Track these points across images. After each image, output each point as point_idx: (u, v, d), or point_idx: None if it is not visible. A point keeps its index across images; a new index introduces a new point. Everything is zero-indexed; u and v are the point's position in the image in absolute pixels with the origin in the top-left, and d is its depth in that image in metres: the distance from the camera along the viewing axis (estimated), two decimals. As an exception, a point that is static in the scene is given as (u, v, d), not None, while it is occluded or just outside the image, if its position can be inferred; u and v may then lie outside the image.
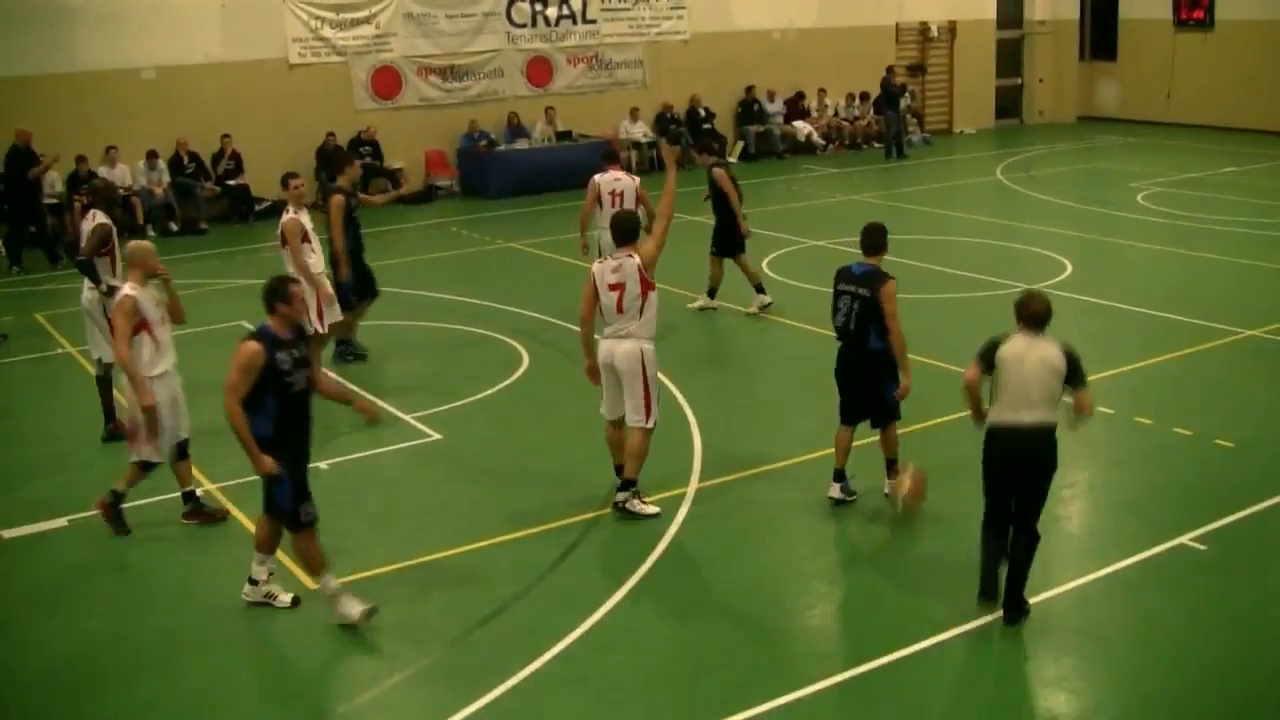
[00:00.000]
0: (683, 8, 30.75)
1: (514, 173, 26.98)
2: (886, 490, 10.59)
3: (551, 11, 29.06)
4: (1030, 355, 8.49)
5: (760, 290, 16.68)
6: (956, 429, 12.18)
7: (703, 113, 30.83)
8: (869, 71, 32.78)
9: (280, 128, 25.81)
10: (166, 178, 24.58)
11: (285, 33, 26.09)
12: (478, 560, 9.73)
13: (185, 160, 24.82)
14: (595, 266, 10.46)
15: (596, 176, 16.10)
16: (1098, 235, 21.05)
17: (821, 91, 32.90)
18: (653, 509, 10.42)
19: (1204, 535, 9.71)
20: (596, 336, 10.48)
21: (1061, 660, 8.21)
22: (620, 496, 10.45)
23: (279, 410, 8.58)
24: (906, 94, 33.17)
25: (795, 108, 32.51)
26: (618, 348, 10.28)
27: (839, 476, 10.61)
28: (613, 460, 10.74)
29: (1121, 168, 28.90)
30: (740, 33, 31.67)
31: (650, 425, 10.35)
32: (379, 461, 11.99)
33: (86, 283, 12.23)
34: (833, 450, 10.65)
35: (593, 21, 29.65)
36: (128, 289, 10.23)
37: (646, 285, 10.23)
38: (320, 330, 13.82)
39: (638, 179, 16.33)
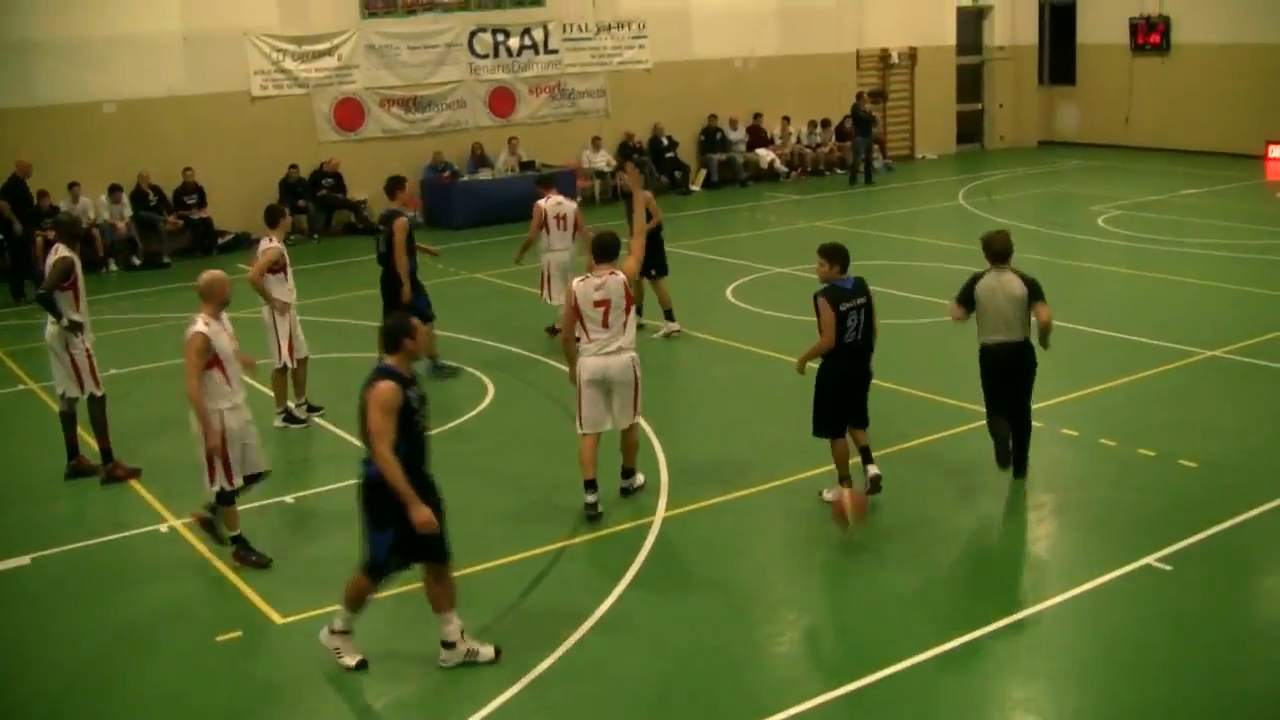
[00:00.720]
0: (644, 37, 30.88)
1: (478, 203, 26.96)
2: (827, 495, 10.86)
3: (514, 42, 29.12)
4: (1000, 292, 11.07)
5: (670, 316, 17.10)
6: (922, 453, 12.24)
7: (665, 141, 30.91)
8: (830, 99, 33.00)
9: (243, 160, 25.76)
10: (129, 211, 24.47)
11: (247, 65, 26.05)
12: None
13: (149, 194, 24.71)
14: (576, 285, 10.76)
15: (540, 203, 16.57)
16: (1060, 259, 21.17)
17: (785, 119, 33.06)
18: (640, 479, 11.46)
19: (1169, 555, 9.75)
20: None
21: (1030, 683, 8.24)
22: (625, 483, 11.35)
23: (408, 452, 8.18)
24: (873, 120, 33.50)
25: (757, 135, 32.63)
26: (612, 362, 10.72)
27: (869, 456, 11.08)
28: (585, 474, 10.94)
29: (1082, 191, 29.12)
30: (702, 61, 31.79)
31: (638, 419, 11.11)
32: (345, 495, 11.83)
33: (49, 317, 12.15)
34: (802, 475, 10.68)
35: (555, 51, 29.73)
36: (200, 325, 10.05)
37: (630, 300, 10.76)
38: (290, 365, 13.75)
39: (575, 202, 16.93)
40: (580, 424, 10.94)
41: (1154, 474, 11.56)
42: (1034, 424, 11.61)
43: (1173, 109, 34.53)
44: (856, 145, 31.71)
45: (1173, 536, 10.05)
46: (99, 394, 12.30)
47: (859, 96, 32.15)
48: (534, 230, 16.57)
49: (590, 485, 10.94)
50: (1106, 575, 9.49)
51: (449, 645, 8.53)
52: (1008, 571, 9.89)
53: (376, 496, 8.20)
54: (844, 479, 10.83)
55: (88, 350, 12.19)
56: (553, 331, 16.71)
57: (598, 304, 10.67)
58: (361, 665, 8.56)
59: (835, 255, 10.72)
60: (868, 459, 11.11)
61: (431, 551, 8.38)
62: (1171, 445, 12.09)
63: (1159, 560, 9.68)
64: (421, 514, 8.04)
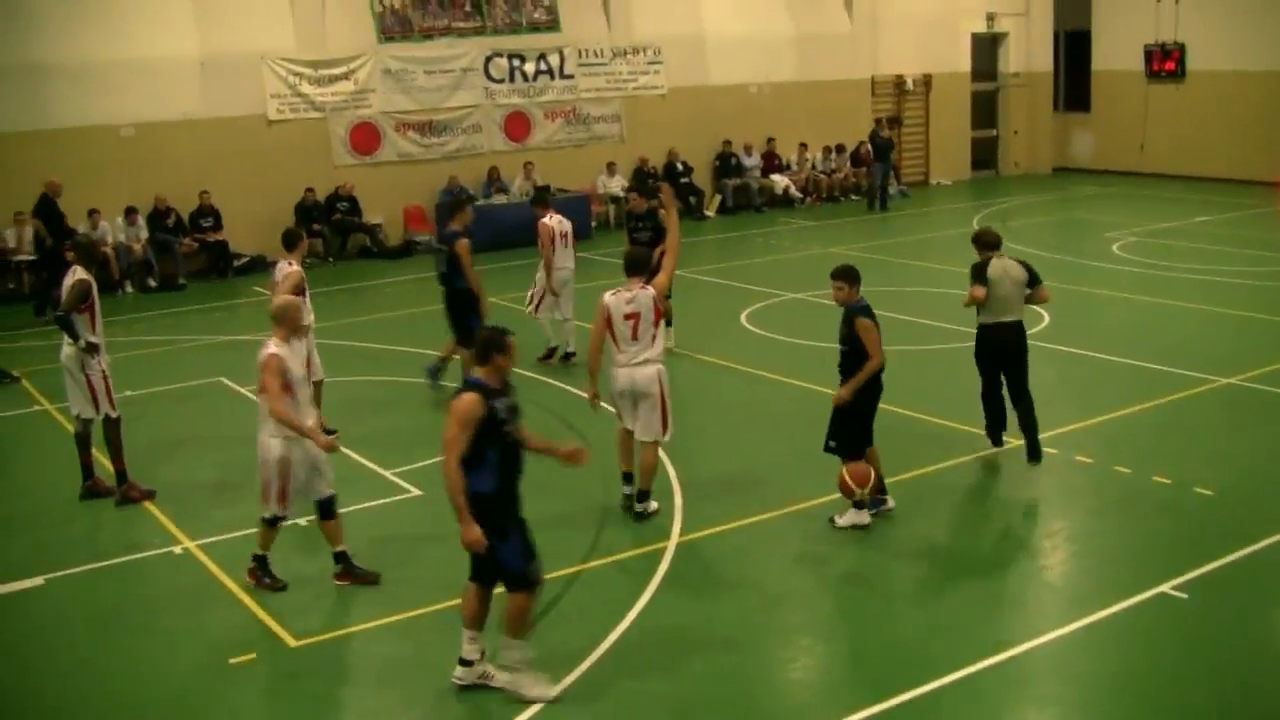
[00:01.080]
0: (660, 62, 30.96)
1: (492, 227, 26.94)
2: (840, 521, 11.05)
3: (529, 67, 29.21)
4: (1007, 275, 12.20)
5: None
6: (935, 480, 12.21)
7: (680, 166, 30.97)
8: (845, 125, 33.07)
9: (259, 183, 25.85)
10: (145, 234, 24.56)
11: (264, 89, 26.16)
12: (457, 616, 9.64)
13: (167, 215, 24.78)
14: (608, 298, 11.17)
15: (546, 220, 16.84)
16: (1074, 285, 21.14)
17: (802, 146, 33.10)
18: (654, 504, 11.50)
19: (1184, 583, 9.72)
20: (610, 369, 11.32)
21: (1044, 710, 8.21)
22: (639, 507, 11.46)
23: (500, 462, 8.17)
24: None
25: (772, 161, 32.68)
26: (638, 373, 11.13)
27: (860, 505, 11.05)
28: (621, 466, 11.61)
29: (1097, 218, 29.11)
30: (717, 87, 31.87)
31: (667, 438, 11.35)
32: (359, 517, 11.93)
33: (66, 339, 12.19)
34: (817, 500, 10.68)
35: (570, 77, 29.81)
36: (273, 347, 9.91)
37: (659, 314, 11.13)
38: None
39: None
40: (619, 418, 11.51)
41: (1168, 501, 11.52)
42: (1048, 451, 12.15)
43: (1187, 136, 34.53)
44: (874, 171, 31.78)
45: (1188, 564, 10.02)
46: (114, 415, 12.33)
47: (877, 122, 32.23)
48: (549, 249, 16.68)
49: (626, 477, 11.58)
50: (1121, 603, 9.46)
51: (467, 663, 8.55)
52: (1022, 598, 9.85)
53: (485, 510, 8.14)
54: (860, 502, 10.95)
55: (104, 372, 12.22)
56: (547, 357, 16.79)
57: (628, 317, 11.05)
58: (556, 699, 8.36)
59: (856, 277, 10.95)
60: (882, 490, 11.32)
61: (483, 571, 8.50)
62: (1186, 473, 12.05)
63: (1174, 588, 9.64)
64: (472, 533, 8.07)
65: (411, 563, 10.85)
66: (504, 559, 8.25)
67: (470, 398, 8.09)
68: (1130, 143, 36.03)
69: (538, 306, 16.99)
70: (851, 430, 10.94)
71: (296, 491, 10.14)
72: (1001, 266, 12.24)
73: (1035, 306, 13.03)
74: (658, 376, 11.14)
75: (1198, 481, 11.81)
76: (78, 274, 12.17)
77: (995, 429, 12.64)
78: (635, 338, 11.08)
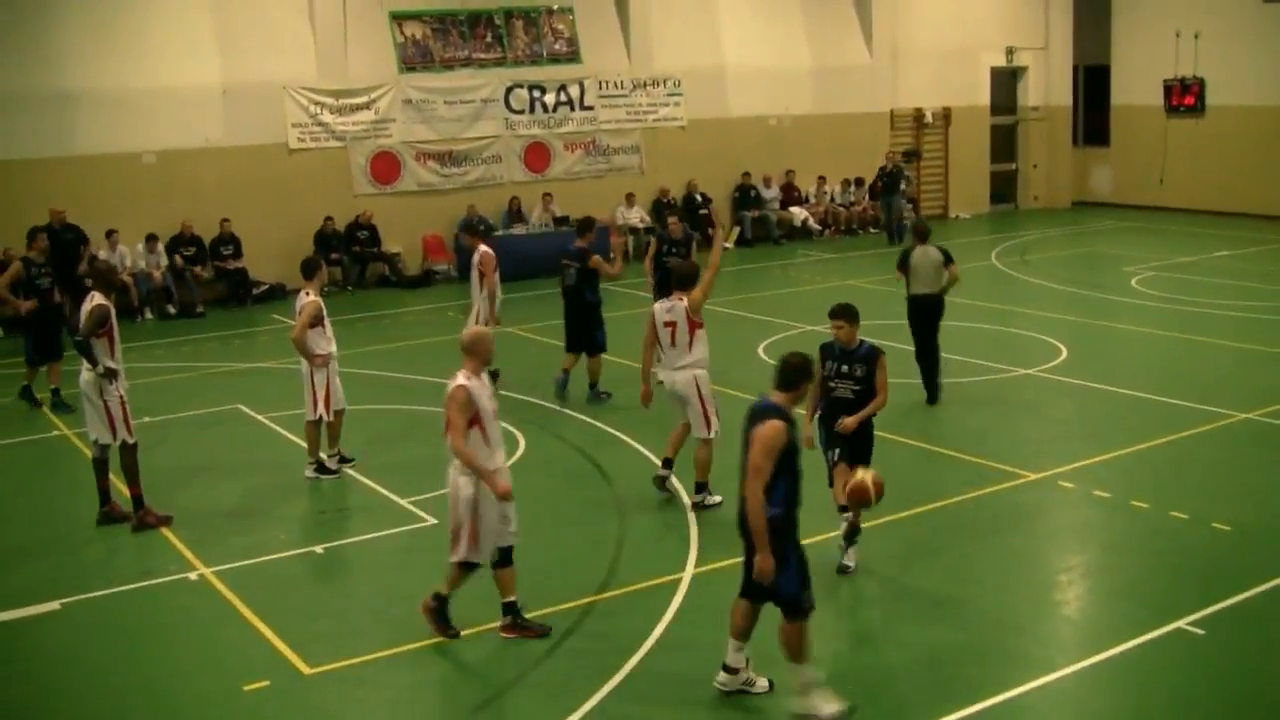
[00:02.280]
0: (679, 94, 31.05)
1: (511, 258, 26.99)
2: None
3: (549, 98, 29.32)
4: (925, 259, 15.80)
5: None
6: (953, 512, 12.19)
7: (699, 198, 31.01)
8: (864, 157, 33.09)
9: (279, 212, 25.97)
10: (165, 261, 24.67)
11: (285, 118, 26.30)
12: (471, 647, 9.67)
13: (188, 241, 24.88)
14: (655, 307, 12.55)
15: (488, 249, 17.57)
16: (1093, 319, 21.14)
17: (821, 179, 33.15)
18: (717, 498, 12.26)
19: (1202, 619, 9.66)
20: (656, 369, 12.55)
21: (1060, 746, 8.16)
22: (696, 498, 12.37)
23: (787, 492, 8.18)
24: (904, 179, 33.63)
25: (791, 193, 32.72)
26: (676, 377, 12.30)
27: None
28: (666, 452, 12.71)
29: (1115, 252, 29.08)
30: (736, 119, 31.96)
31: (711, 435, 12.24)
32: (375, 546, 11.96)
33: (84, 364, 12.24)
34: (832, 533, 10.65)
35: (590, 108, 29.91)
36: (462, 379, 9.47)
37: (694, 324, 12.26)
38: (327, 418, 13.77)
39: None
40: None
41: (1186, 537, 11.47)
42: (1066, 485, 12.56)
43: (1207, 171, 34.48)
44: (883, 205, 31.83)
45: (1206, 600, 9.97)
46: (131, 441, 12.36)
47: (888, 156, 32.29)
48: (493, 276, 17.32)
49: (665, 462, 12.71)
50: (1138, 638, 9.41)
51: (731, 671, 8.69)
52: (1038, 633, 9.80)
53: (773, 535, 8.08)
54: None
55: (121, 398, 12.26)
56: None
57: (666, 324, 12.30)
58: (848, 711, 8.36)
59: (856, 315, 11.10)
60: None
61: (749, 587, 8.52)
62: (1204, 508, 12.00)
63: (1191, 624, 9.59)
64: (768, 562, 8.06)
65: (426, 591, 10.82)
66: (782, 585, 8.23)
67: (778, 425, 8.11)
68: (1149, 177, 35.99)
69: None
70: (859, 449, 10.96)
71: (487, 534, 9.58)
72: (923, 252, 15.85)
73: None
74: (694, 381, 12.20)
75: (1216, 517, 11.75)
76: (96, 299, 12.22)
77: (930, 388, 15.94)
78: (674, 344, 12.25)
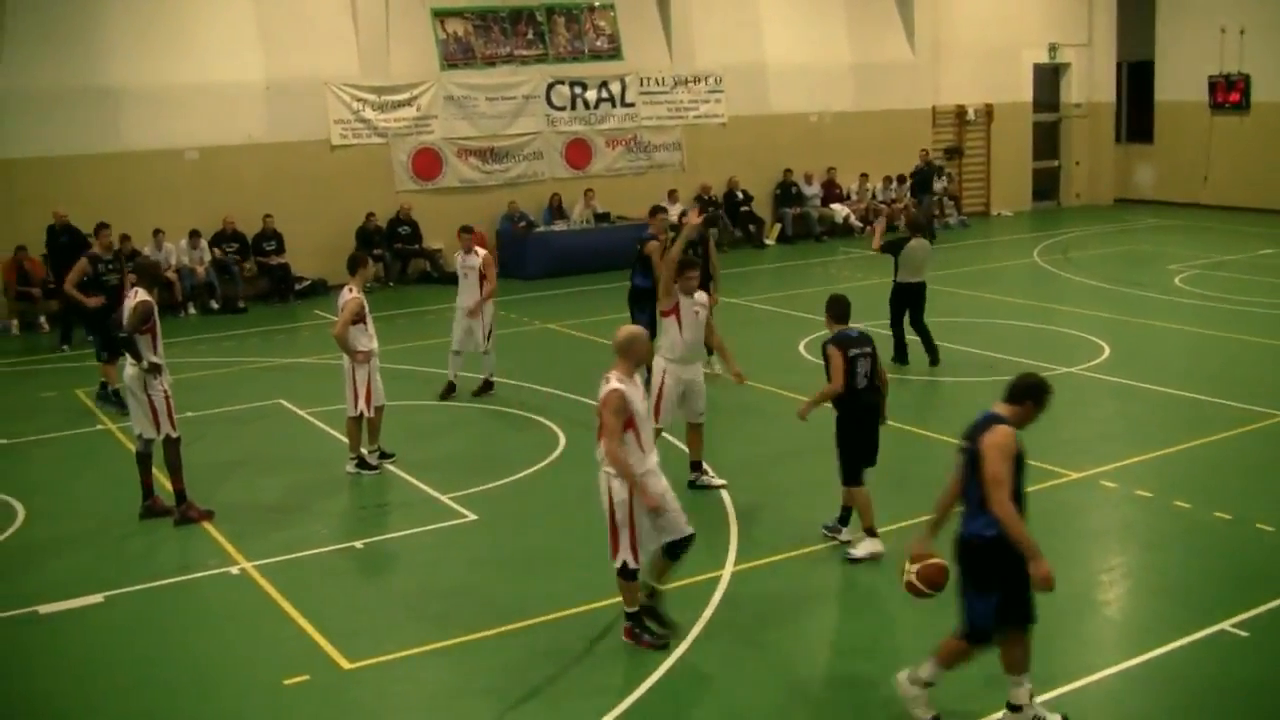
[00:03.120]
0: (720, 91, 31.02)
1: (552, 254, 27.12)
2: (856, 553, 11.08)
3: (591, 95, 29.36)
4: (919, 249, 17.56)
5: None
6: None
7: (740, 195, 30.99)
8: (906, 154, 32.95)
9: (321, 208, 26.10)
10: (208, 256, 24.84)
11: (327, 114, 26.43)
12: (512, 642, 9.69)
13: (230, 237, 25.05)
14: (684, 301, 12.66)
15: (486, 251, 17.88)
16: (1135, 318, 21.00)
17: (864, 176, 33.04)
18: (717, 480, 13.03)
19: (1245, 621, 9.58)
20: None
21: (1100, 748, 8.11)
22: (692, 476, 12.98)
23: (1017, 502, 7.71)
24: (944, 176, 33.51)
25: (832, 190, 32.63)
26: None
27: (872, 533, 11.08)
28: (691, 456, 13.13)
29: (1159, 250, 28.88)
30: (778, 115, 31.91)
31: (656, 424, 11.93)
32: (414, 541, 12.00)
33: (129, 359, 12.33)
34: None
35: (631, 105, 29.93)
36: (614, 382, 9.09)
37: (662, 312, 12.79)
38: (368, 414, 13.82)
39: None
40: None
41: (1230, 538, 11.38)
42: (1108, 484, 12.62)
43: (1252, 168, 34.19)
44: (920, 202, 31.63)
45: (1249, 602, 9.88)
46: (174, 436, 12.44)
47: (921, 155, 32.15)
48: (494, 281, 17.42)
49: (692, 465, 13.11)
50: (1180, 640, 9.34)
51: (1016, 709, 8.06)
52: (1079, 634, 9.74)
53: (987, 558, 7.69)
54: (870, 530, 11.05)
55: (165, 392, 12.34)
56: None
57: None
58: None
59: (831, 309, 11.42)
60: (844, 520, 11.45)
61: (1029, 614, 7.94)
62: (1248, 509, 11.90)
63: (1235, 626, 9.51)
64: (1043, 568, 7.56)
65: (466, 588, 10.88)
66: (975, 608, 7.86)
67: (1009, 431, 7.75)
68: (1193, 174, 35.72)
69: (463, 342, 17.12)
70: (842, 460, 11.11)
71: (646, 537, 9.32)
72: (918, 244, 17.56)
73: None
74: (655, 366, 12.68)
75: (1260, 518, 11.65)
76: (139, 295, 12.30)
77: (900, 355, 17.74)
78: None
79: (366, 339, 13.75)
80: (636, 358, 9.35)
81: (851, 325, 11.27)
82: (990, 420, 7.83)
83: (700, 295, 12.68)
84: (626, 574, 9.31)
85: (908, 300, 17.66)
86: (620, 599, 9.54)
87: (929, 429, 14.74)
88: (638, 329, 9.64)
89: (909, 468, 13.22)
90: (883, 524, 11.08)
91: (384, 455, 14.19)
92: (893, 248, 17.50)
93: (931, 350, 17.68)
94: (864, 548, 11.00)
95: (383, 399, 13.98)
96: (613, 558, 9.35)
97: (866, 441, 11.13)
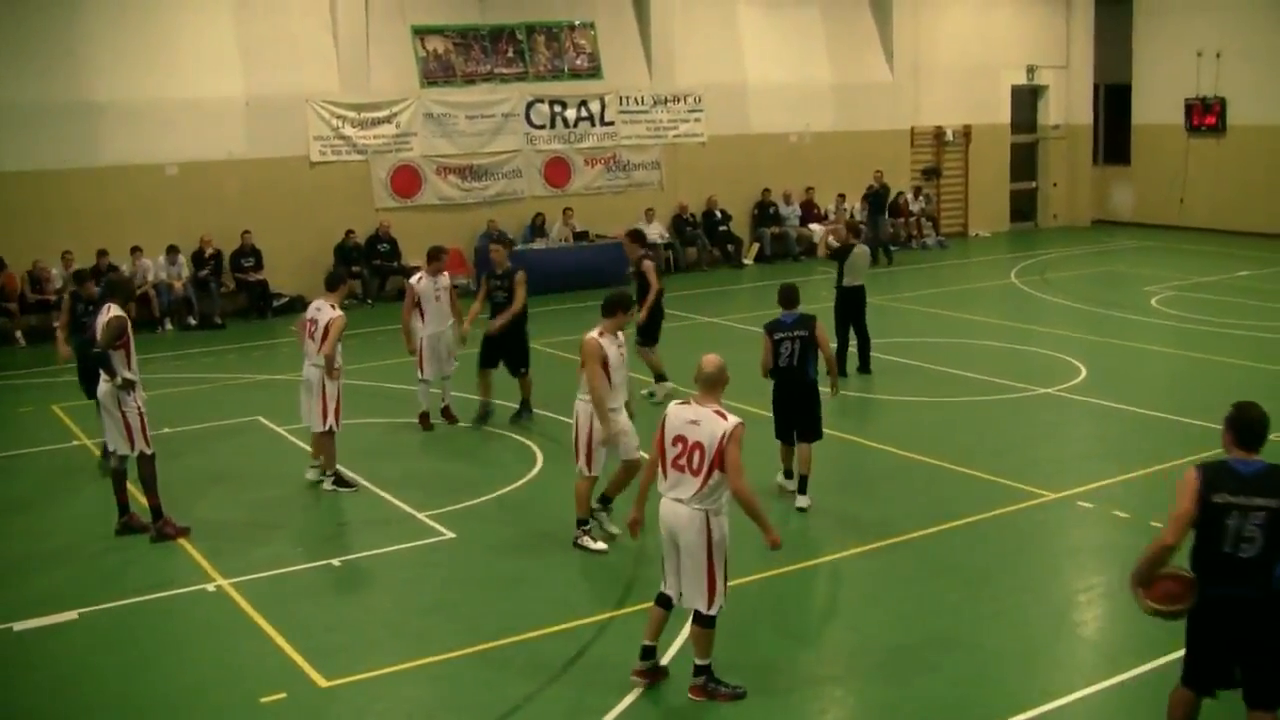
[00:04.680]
0: (700, 110, 31.08)
1: (531, 273, 26.94)
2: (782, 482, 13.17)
3: (570, 113, 29.39)
4: (862, 257, 18.25)
5: (661, 379, 17.52)
6: (973, 531, 12.16)
7: (719, 214, 31.04)
8: (885, 175, 32.96)
9: (300, 224, 26.05)
10: (186, 272, 24.77)
11: (307, 131, 26.40)
12: (490, 660, 9.67)
13: (206, 255, 24.99)
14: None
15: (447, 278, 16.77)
16: (1112, 339, 21.08)
17: (841, 196, 33.11)
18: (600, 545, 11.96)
19: (1221, 642, 9.59)
20: None
21: (1078, 768, 8.12)
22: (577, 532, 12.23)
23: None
24: (921, 197, 33.67)
25: (810, 210, 32.69)
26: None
27: (804, 486, 12.85)
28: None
29: (1135, 271, 29.01)
30: (757, 135, 31.98)
31: (588, 472, 12.01)
32: (391, 559, 11.96)
33: (103, 376, 12.26)
34: (850, 551, 10.60)
35: (611, 124, 29.96)
36: (733, 420, 8.66)
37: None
38: (337, 429, 13.77)
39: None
40: None
41: (1207, 558, 11.38)
42: (1084, 505, 12.87)
43: (1228, 190, 34.42)
44: (874, 224, 31.10)
45: (1225, 622, 9.89)
46: (149, 452, 12.38)
47: (875, 176, 32.02)
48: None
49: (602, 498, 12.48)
50: (1157, 660, 9.33)
51: None
52: (1055, 654, 9.76)
53: None
54: (787, 472, 13.20)
55: (139, 409, 12.28)
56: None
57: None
58: None
59: (778, 296, 13.37)
60: (802, 489, 12.84)
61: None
62: (1225, 530, 11.91)
63: (1211, 646, 9.52)
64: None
65: (444, 605, 10.86)
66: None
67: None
68: (1170, 196, 35.92)
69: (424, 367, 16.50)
70: (775, 421, 13.13)
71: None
72: (860, 249, 18.31)
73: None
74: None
75: (1236, 539, 11.67)
76: (113, 310, 12.23)
77: (841, 366, 17.25)
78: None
79: (338, 355, 13.76)
80: (723, 385, 9.06)
81: (794, 311, 13.00)
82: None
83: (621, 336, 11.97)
84: (707, 622, 8.89)
85: (851, 304, 18.26)
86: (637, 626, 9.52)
87: (900, 449, 14.76)
88: (717, 359, 9.22)
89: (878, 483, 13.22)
90: (839, 547, 11.09)
91: (342, 483, 13.95)
92: (840, 254, 18.21)
93: (866, 358, 18.52)
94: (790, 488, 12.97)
95: (321, 426, 13.87)
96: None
97: (791, 408, 12.87)
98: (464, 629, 10.22)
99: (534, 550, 12.03)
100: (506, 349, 16.37)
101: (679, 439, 8.72)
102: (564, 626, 10.16)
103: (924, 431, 15.69)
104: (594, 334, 11.47)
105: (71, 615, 10.70)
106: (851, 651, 10.01)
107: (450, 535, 12.35)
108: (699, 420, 8.67)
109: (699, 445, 8.61)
